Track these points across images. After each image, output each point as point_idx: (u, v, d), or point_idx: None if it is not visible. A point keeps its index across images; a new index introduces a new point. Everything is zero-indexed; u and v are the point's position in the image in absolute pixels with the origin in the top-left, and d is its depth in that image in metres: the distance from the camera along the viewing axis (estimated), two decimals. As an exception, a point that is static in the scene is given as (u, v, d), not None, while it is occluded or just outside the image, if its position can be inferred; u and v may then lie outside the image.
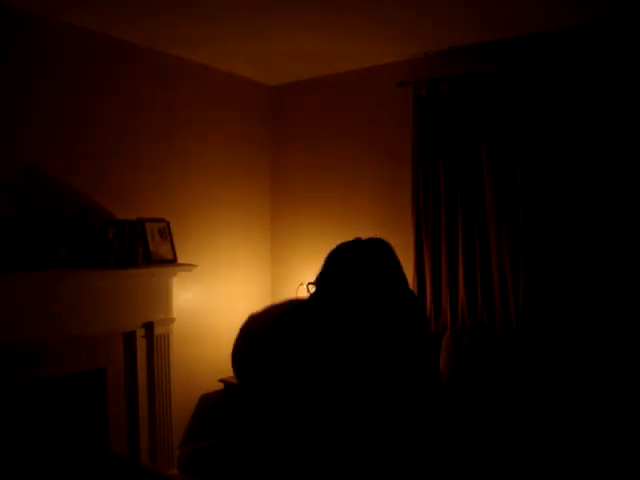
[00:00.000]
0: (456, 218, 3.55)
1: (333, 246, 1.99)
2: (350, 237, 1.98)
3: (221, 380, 3.86)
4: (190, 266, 3.52)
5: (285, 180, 4.40)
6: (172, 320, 3.41)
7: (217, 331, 3.96)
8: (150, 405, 3.30)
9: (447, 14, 3.10)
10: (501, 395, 3.09)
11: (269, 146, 4.46)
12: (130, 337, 3.23)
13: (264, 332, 1.59)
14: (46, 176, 3.06)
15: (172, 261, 3.45)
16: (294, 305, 1.64)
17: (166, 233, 3.47)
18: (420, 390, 1.97)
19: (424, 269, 3.65)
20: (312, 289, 1.96)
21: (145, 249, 3.29)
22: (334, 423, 1.70)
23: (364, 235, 2.01)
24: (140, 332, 3.26)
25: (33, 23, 3.01)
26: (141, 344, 3.27)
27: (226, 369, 3.96)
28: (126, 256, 3.17)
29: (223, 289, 4.03)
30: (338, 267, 1.92)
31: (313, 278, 1.97)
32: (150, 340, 3.30)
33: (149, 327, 3.29)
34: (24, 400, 2.86)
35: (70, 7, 2.96)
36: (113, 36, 3.35)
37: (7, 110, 2.92)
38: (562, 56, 3.23)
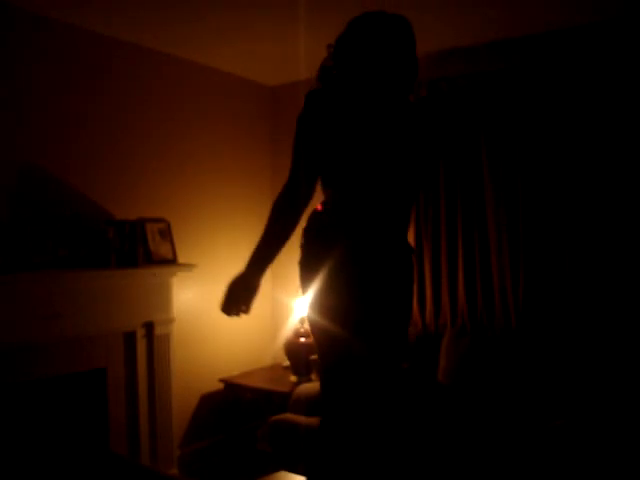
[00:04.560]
0: (456, 218, 3.55)
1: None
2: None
3: (221, 380, 3.86)
4: (190, 266, 3.52)
5: (285, 180, 4.39)
6: (172, 320, 3.41)
7: (217, 331, 3.96)
8: (150, 405, 3.29)
9: (447, 14, 3.10)
10: (501, 395, 3.09)
11: (269, 146, 4.46)
12: (130, 337, 3.23)
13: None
14: (46, 176, 3.06)
15: (172, 261, 3.45)
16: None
17: (166, 233, 3.47)
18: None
19: (424, 269, 3.65)
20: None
21: (145, 249, 3.29)
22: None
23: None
24: (140, 332, 3.26)
25: (32, 23, 3.01)
26: (141, 344, 3.26)
27: (226, 369, 3.97)
28: (126, 256, 3.17)
29: (223, 289, 4.01)
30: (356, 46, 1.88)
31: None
32: (150, 340, 3.29)
33: (149, 327, 3.29)
34: (24, 400, 2.86)
35: (70, 7, 2.97)
36: (113, 36, 3.35)
37: (7, 110, 2.92)
38: (562, 57, 3.23)
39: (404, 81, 1.92)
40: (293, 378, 3.67)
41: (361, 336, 1.87)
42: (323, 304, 1.88)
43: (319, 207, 1.97)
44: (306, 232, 1.97)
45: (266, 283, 4.34)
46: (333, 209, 1.92)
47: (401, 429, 1.99)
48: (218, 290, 4.00)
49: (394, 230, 1.94)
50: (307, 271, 1.92)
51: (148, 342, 3.29)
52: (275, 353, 4.27)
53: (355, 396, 1.87)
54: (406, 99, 1.97)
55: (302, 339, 3.77)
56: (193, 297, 3.80)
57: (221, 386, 3.88)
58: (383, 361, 1.91)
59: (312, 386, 3.42)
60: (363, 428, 1.86)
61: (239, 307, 2.01)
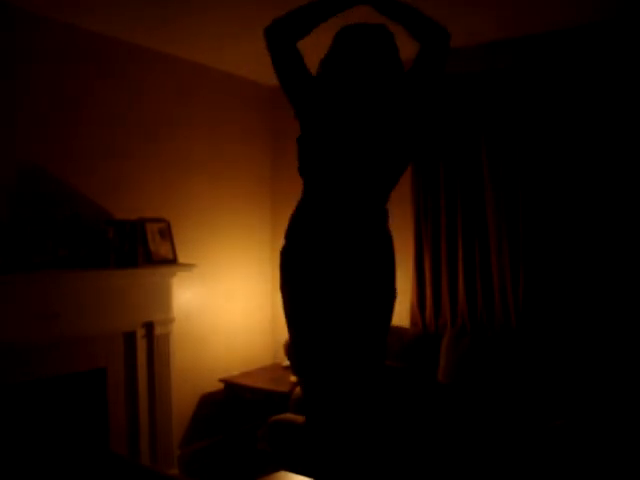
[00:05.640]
0: (456, 218, 3.55)
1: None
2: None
3: (221, 380, 3.86)
4: (190, 266, 3.52)
5: (285, 180, 4.39)
6: (172, 320, 3.41)
7: (217, 331, 3.96)
8: (150, 405, 3.30)
9: (446, 14, 3.09)
10: (501, 395, 3.09)
11: (269, 146, 4.46)
12: (130, 337, 3.23)
13: None
14: (46, 176, 3.06)
15: (172, 261, 3.45)
16: None
17: (166, 233, 3.47)
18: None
19: (424, 269, 3.65)
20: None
21: (145, 249, 3.29)
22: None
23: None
24: (140, 332, 3.26)
25: (32, 23, 3.02)
26: (141, 344, 3.27)
27: (226, 369, 3.98)
28: (126, 256, 3.17)
29: (223, 289, 4.03)
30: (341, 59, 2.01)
31: None
32: (150, 340, 3.30)
33: (149, 327, 3.29)
34: (24, 400, 2.86)
35: (69, 8, 2.96)
36: (113, 36, 3.35)
37: (7, 110, 2.92)
38: (562, 57, 3.24)
39: (388, 84, 1.97)
40: (293, 378, 3.67)
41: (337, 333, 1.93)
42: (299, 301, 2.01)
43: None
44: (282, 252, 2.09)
45: (266, 284, 4.38)
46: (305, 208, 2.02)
47: (390, 426, 2.01)
48: (218, 290, 4.02)
49: (372, 216, 2.00)
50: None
51: (148, 342, 3.30)
52: (275, 353, 4.27)
53: (335, 395, 1.89)
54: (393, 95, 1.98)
55: (302, 339, 3.77)
56: (193, 297, 3.80)
57: (221, 386, 3.88)
58: (360, 359, 1.95)
59: (312, 386, 3.41)
60: (347, 425, 1.87)
61: None
